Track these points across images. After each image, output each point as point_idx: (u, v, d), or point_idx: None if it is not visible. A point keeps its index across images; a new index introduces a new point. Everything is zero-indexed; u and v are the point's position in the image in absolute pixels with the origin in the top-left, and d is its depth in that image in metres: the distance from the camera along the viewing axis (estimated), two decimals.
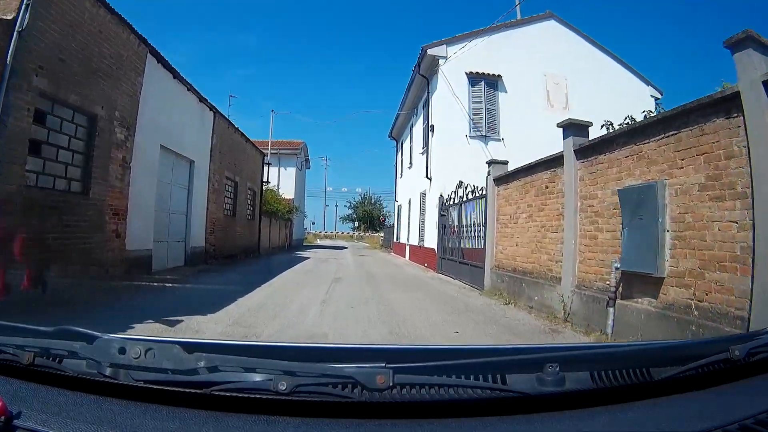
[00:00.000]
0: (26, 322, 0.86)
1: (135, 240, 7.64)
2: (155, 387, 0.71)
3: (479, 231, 8.80)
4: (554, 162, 6.22)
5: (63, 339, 0.79)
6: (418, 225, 15.34)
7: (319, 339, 4.07)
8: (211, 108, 11.64)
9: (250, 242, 16.16)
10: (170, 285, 7.48)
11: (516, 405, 0.73)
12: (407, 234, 18.24)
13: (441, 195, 11.98)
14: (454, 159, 12.20)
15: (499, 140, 12.72)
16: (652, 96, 13.43)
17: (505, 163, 8.55)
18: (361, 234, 52.14)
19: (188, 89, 10.20)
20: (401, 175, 21.55)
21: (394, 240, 22.98)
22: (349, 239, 50.82)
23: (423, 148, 14.93)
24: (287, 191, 25.52)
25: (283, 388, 0.68)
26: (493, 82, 13.02)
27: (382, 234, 35.28)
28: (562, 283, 5.65)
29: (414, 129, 17.61)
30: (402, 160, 21.38)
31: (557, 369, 0.74)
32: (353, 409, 0.71)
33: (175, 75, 9.51)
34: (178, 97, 9.76)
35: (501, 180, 8.11)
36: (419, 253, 15.09)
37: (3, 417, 0.63)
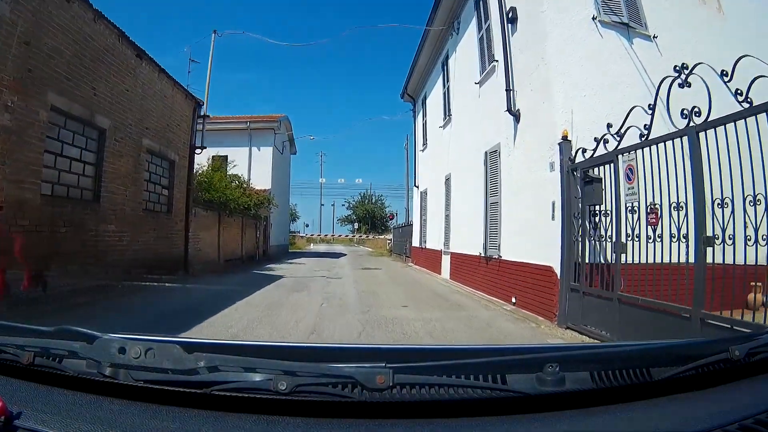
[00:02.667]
0: None
1: None
2: (155, 387, 0.70)
3: None
4: None
5: (63, 339, 0.77)
6: (483, 218, 7.81)
7: None
8: None
9: (162, 253, 8.86)
10: None
11: (516, 405, 0.72)
12: (443, 235, 11.06)
13: (566, 138, 4.80)
14: (577, 66, 5.76)
15: (648, 37, 6.22)
16: None
17: None
18: (362, 237, 44.96)
19: None
20: (425, 145, 14.34)
21: (415, 244, 15.56)
22: (348, 243, 44.09)
23: (488, 65, 7.79)
24: (262, 179, 18.16)
25: (283, 388, 0.67)
26: None
27: (390, 236, 27.98)
28: None
29: (451, 61, 10.65)
30: (425, 123, 14.16)
31: (557, 369, 0.72)
32: (353, 408, 0.70)
33: None
34: None
35: None
36: (479, 272, 7.83)
37: (3, 417, 0.61)
